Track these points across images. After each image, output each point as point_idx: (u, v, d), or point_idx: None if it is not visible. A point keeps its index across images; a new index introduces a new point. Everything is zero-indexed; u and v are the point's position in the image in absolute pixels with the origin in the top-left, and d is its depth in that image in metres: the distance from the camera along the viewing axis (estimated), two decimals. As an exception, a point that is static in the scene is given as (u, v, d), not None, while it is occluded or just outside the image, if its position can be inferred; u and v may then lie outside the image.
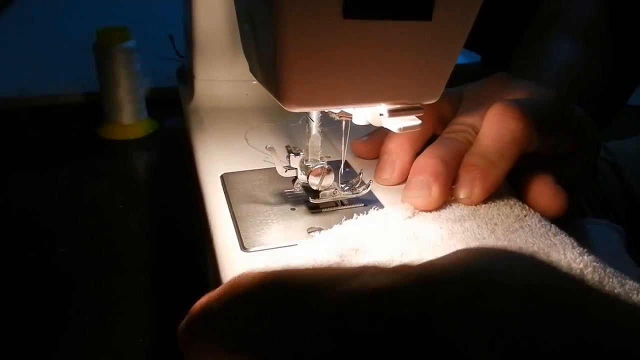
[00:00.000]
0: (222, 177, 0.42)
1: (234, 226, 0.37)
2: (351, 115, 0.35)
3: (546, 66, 0.54)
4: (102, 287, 0.61)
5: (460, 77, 0.43)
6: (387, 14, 0.27)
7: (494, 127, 0.37)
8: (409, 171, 0.39)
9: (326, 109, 0.34)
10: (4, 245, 0.66)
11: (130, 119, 0.91)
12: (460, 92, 0.45)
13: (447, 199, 0.37)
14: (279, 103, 0.30)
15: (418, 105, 0.33)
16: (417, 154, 0.40)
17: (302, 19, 0.26)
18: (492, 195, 0.37)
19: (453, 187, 0.37)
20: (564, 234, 0.33)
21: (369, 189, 0.38)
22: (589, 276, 0.29)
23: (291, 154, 0.37)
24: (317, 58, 0.28)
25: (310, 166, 0.36)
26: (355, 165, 0.45)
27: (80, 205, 0.73)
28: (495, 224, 0.34)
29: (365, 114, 0.35)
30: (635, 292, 0.27)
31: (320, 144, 0.37)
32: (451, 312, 0.19)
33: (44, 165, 0.82)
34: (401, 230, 0.34)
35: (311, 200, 0.37)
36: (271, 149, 0.36)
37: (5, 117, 0.95)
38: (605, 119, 0.59)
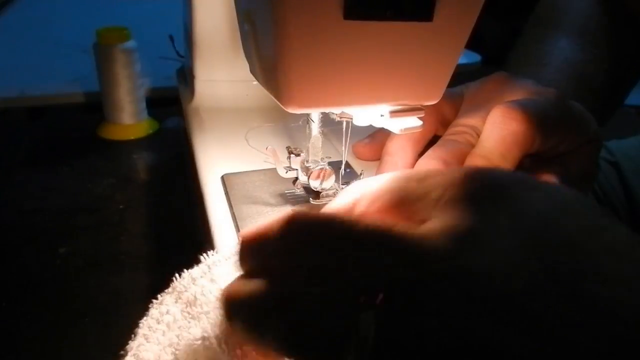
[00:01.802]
0: (222, 178, 0.42)
1: (235, 227, 0.37)
2: (352, 116, 0.35)
3: (545, 62, 0.54)
4: (102, 287, 0.61)
5: (460, 77, 0.43)
6: (388, 15, 0.27)
7: (496, 129, 0.37)
8: None
9: (327, 110, 0.34)
10: (4, 244, 0.66)
11: (130, 119, 0.91)
12: (461, 92, 0.45)
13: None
14: (280, 104, 0.30)
15: (419, 106, 0.33)
16: (419, 155, 0.40)
17: (303, 20, 0.26)
18: None
19: None
20: None
21: (369, 190, 0.38)
22: None
23: (292, 155, 0.37)
24: (318, 59, 0.28)
25: (311, 167, 0.36)
26: (356, 165, 0.45)
27: (80, 205, 0.73)
28: None
29: (366, 115, 0.35)
30: None
31: (321, 145, 0.37)
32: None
33: (44, 165, 0.82)
34: None
35: (312, 201, 0.37)
36: (272, 150, 0.36)
37: (5, 117, 0.95)
38: (605, 114, 0.59)
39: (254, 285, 0.23)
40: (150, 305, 0.29)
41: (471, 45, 0.32)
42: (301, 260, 0.22)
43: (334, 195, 0.37)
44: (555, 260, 0.19)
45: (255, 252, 0.24)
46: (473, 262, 0.19)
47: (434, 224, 0.21)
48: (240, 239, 0.24)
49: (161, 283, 0.61)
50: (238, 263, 0.25)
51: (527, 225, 0.20)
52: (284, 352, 0.21)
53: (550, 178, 0.39)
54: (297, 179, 0.38)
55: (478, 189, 0.22)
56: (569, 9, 0.59)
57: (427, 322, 0.19)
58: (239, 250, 0.24)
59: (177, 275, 0.30)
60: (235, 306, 0.23)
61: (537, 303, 0.18)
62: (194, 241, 0.64)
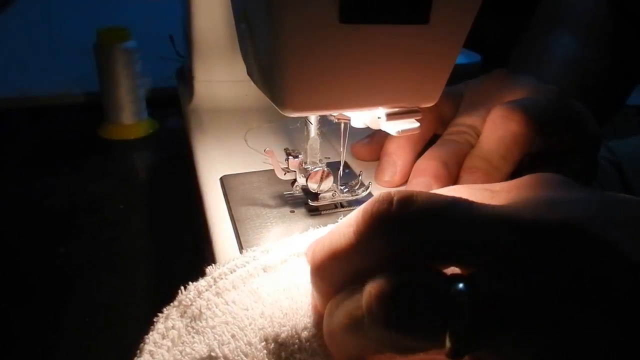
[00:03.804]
0: (221, 179, 0.42)
1: (233, 229, 0.37)
2: (349, 117, 0.35)
3: (547, 59, 0.54)
4: (102, 287, 0.61)
5: (460, 77, 0.43)
6: (384, 19, 0.27)
7: (496, 130, 0.37)
8: (409, 172, 0.39)
9: (324, 113, 0.34)
10: (4, 245, 0.66)
11: (130, 119, 0.91)
12: (461, 90, 0.45)
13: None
14: (277, 108, 0.30)
15: (416, 108, 0.33)
16: (418, 154, 0.40)
17: (299, 24, 0.26)
18: None
19: None
20: None
21: (368, 191, 0.38)
22: None
23: (290, 157, 0.37)
24: (314, 63, 0.27)
25: (310, 168, 0.36)
26: (355, 166, 0.45)
27: (80, 205, 0.73)
28: None
29: (364, 117, 0.35)
30: None
31: (319, 146, 0.37)
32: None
33: (44, 166, 0.82)
34: None
35: (310, 203, 0.37)
36: (269, 152, 0.36)
37: (5, 117, 0.95)
38: (607, 113, 0.59)
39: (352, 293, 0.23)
40: (155, 319, 0.29)
41: (471, 44, 0.32)
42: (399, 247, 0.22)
43: (332, 197, 0.37)
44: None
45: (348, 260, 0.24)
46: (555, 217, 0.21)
47: (514, 200, 0.24)
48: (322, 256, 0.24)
49: (161, 283, 0.61)
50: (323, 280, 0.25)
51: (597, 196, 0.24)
52: (390, 339, 0.22)
53: None
54: (295, 180, 0.38)
55: (542, 178, 0.25)
56: (575, 7, 0.59)
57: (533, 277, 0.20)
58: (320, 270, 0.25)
59: (182, 287, 0.30)
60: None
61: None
62: (193, 242, 0.64)
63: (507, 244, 0.21)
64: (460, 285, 0.21)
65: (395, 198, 0.22)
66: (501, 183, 0.26)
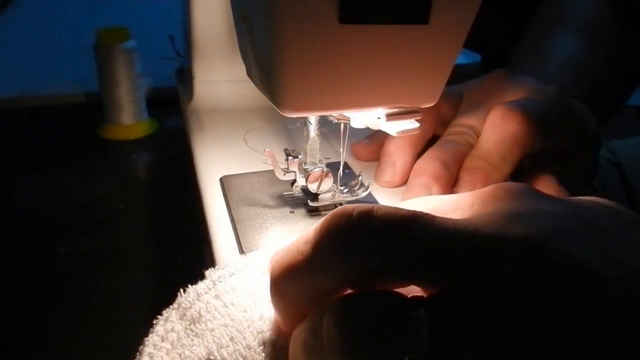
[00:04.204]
0: (221, 180, 0.42)
1: (233, 229, 0.37)
2: (349, 118, 0.35)
3: (547, 59, 0.54)
4: (102, 287, 0.61)
5: (460, 77, 0.43)
6: (383, 19, 0.26)
7: (496, 130, 0.37)
8: (409, 173, 0.39)
9: (323, 114, 0.34)
10: (4, 245, 0.66)
11: (130, 119, 0.91)
12: (461, 90, 0.45)
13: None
14: (276, 108, 0.30)
15: (416, 108, 0.33)
16: (418, 155, 0.40)
17: (298, 24, 0.26)
18: None
19: (453, 189, 0.37)
20: None
21: (368, 191, 0.38)
22: None
23: (289, 157, 0.36)
24: (314, 63, 0.27)
25: (309, 169, 0.36)
26: (355, 166, 0.45)
27: (80, 205, 0.73)
28: None
29: (363, 118, 0.34)
30: None
31: (318, 147, 0.37)
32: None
33: (44, 166, 0.82)
34: None
35: (310, 203, 0.37)
36: (269, 153, 0.36)
37: (5, 117, 0.95)
38: (608, 112, 0.59)
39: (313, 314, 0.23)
40: (155, 322, 0.29)
41: (471, 44, 0.32)
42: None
43: (332, 197, 0.37)
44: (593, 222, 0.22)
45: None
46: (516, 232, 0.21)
47: (476, 214, 0.23)
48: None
49: (160, 285, 0.61)
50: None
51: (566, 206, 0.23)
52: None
53: (549, 176, 0.39)
54: (295, 180, 0.38)
55: (506, 189, 0.24)
56: (575, 7, 0.59)
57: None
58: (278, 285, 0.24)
59: (182, 290, 0.29)
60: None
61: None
62: (193, 242, 0.64)
63: (464, 263, 0.20)
64: (419, 310, 0.20)
65: (354, 212, 0.21)
66: (465, 194, 0.25)
